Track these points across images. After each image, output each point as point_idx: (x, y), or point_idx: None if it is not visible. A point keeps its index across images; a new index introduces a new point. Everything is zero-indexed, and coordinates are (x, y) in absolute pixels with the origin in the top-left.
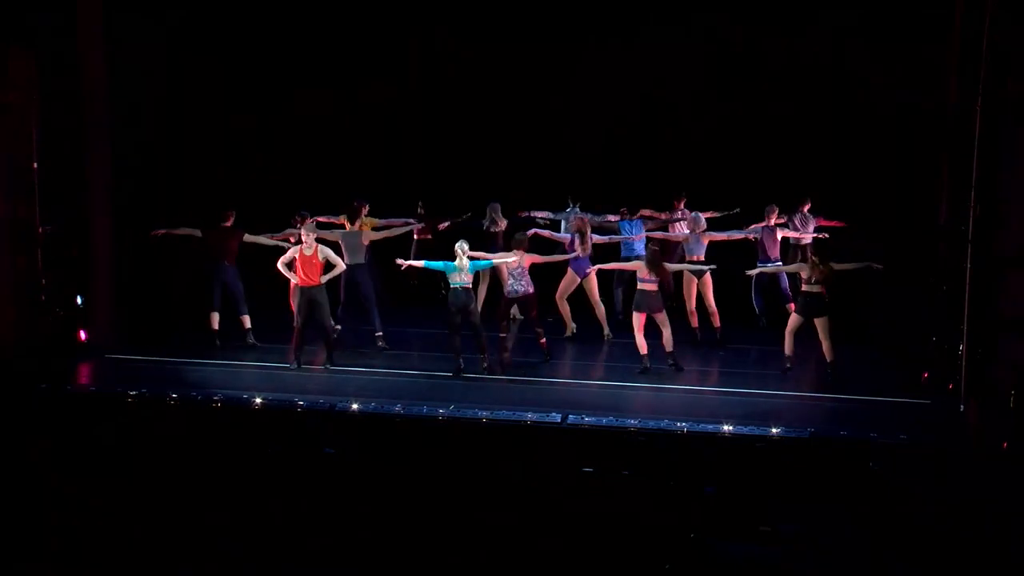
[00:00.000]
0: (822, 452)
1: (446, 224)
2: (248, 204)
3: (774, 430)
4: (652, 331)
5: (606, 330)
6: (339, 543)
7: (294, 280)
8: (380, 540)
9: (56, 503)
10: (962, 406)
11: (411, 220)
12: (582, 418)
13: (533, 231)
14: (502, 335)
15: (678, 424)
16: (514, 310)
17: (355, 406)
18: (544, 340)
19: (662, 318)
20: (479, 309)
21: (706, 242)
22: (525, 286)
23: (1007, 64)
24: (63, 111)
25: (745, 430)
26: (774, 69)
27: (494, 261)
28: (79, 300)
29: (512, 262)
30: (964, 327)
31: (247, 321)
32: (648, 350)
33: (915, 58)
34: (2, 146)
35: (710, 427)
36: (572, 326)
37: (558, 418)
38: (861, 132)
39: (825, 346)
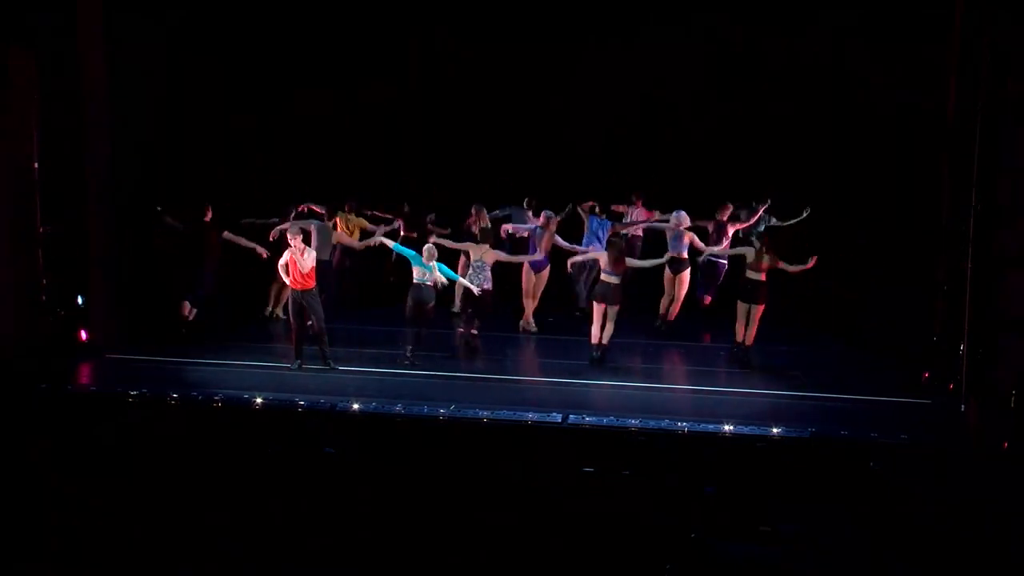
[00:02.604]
0: (822, 452)
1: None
2: (248, 204)
3: (774, 430)
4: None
5: (525, 322)
6: (339, 543)
7: (288, 283)
8: (380, 540)
9: (56, 503)
10: (962, 406)
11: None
12: (582, 418)
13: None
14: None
15: (678, 424)
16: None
17: (355, 406)
18: (476, 336)
19: (613, 312)
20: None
21: (687, 240)
22: (482, 281)
23: (1007, 64)
24: (63, 111)
25: (745, 430)
26: (774, 69)
27: (459, 280)
28: (79, 300)
29: (473, 257)
30: (964, 327)
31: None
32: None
33: (915, 58)
34: (2, 146)
35: (710, 427)
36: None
37: (558, 418)
38: (861, 132)
39: (750, 331)
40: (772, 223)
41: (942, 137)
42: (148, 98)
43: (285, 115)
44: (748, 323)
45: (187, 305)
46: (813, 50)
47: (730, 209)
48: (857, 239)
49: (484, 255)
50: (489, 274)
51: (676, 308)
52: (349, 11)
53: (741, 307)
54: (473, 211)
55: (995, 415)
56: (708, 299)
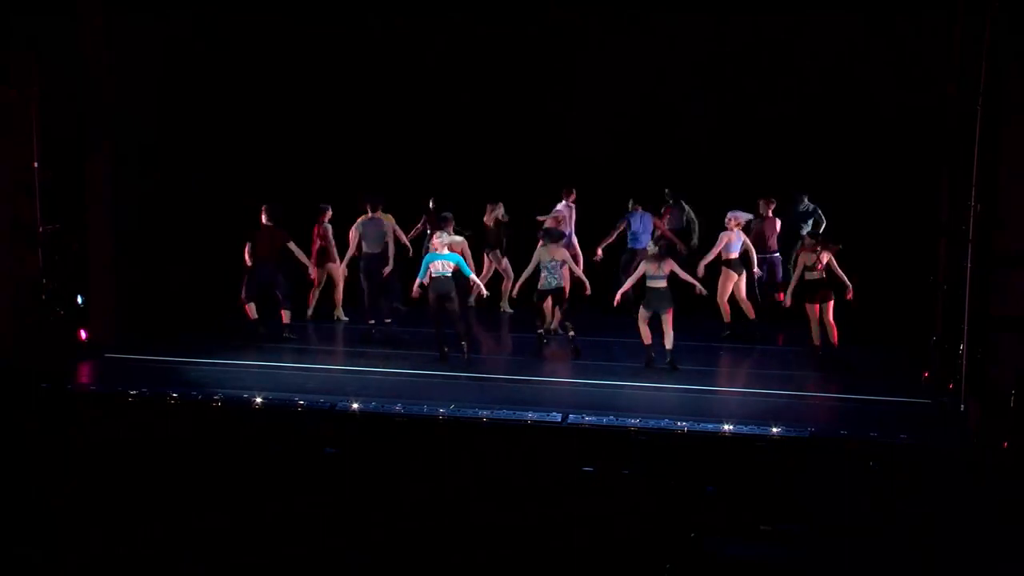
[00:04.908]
0: (822, 452)
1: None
2: (248, 203)
3: (774, 430)
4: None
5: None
6: (339, 543)
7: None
8: (380, 540)
9: (56, 503)
10: (962, 406)
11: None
12: (582, 418)
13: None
14: (538, 331)
15: (678, 424)
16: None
17: (355, 405)
18: (573, 333)
19: (667, 318)
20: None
21: (742, 239)
22: (559, 280)
23: (1007, 64)
24: (63, 111)
25: (745, 430)
26: (774, 69)
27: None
28: (79, 300)
29: (545, 257)
30: (964, 327)
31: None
32: (652, 342)
33: (915, 58)
34: (2, 146)
35: (710, 427)
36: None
37: (558, 418)
38: (861, 132)
39: (830, 331)
40: (812, 211)
41: (942, 137)
42: (148, 98)
43: (286, 115)
44: (823, 323)
45: (286, 313)
46: (813, 50)
47: (774, 203)
48: (857, 239)
49: (555, 254)
50: (564, 272)
51: (749, 308)
52: (350, 11)
53: (809, 309)
54: (488, 207)
55: (995, 415)
56: (781, 295)
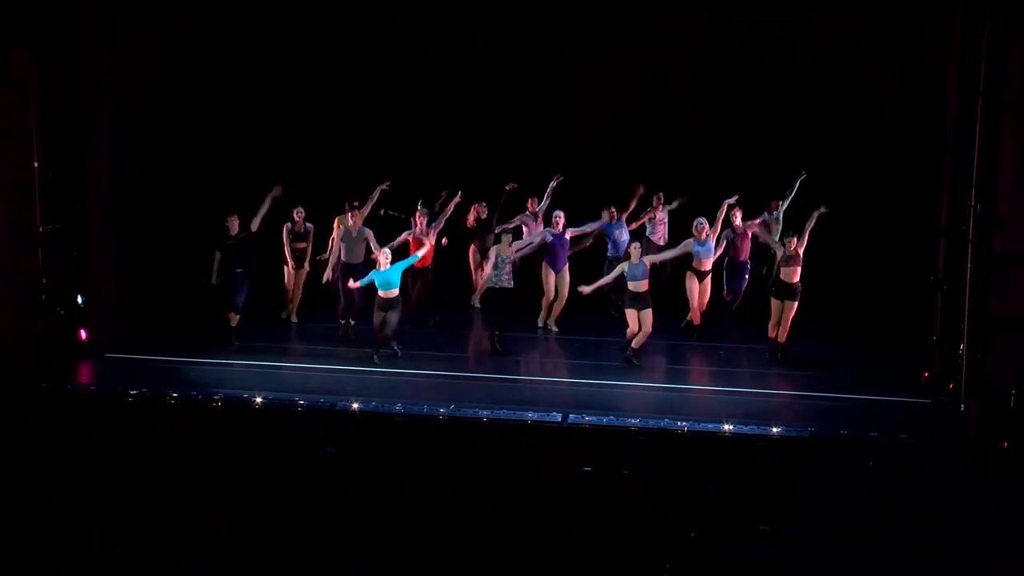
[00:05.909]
0: (822, 452)
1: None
2: (248, 204)
3: (774, 430)
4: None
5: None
6: (339, 543)
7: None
8: (380, 540)
9: (56, 503)
10: (962, 406)
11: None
12: (582, 418)
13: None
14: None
15: (678, 424)
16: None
17: (355, 405)
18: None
19: (645, 315)
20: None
21: (712, 243)
22: (506, 280)
23: (1007, 64)
24: (63, 111)
25: (745, 430)
26: (774, 69)
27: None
28: (79, 300)
29: (494, 254)
30: (964, 327)
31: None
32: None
33: (915, 58)
34: (2, 146)
35: (710, 427)
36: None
37: (558, 418)
38: (861, 132)
39: (782, 329)
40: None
41: (942, 137)
42: (148, 98)
43: (286, 115)
44: (780, 321)
45: (234, 316)
46: (813, 50)
47: (740, 213)
48: (857, 239)
49: (502, 250)
50: (510, 269)
51: (695, 315)
52: (350, 11)
53: (775, 304)
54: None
55: (995, 415)
56: (730, 296)
